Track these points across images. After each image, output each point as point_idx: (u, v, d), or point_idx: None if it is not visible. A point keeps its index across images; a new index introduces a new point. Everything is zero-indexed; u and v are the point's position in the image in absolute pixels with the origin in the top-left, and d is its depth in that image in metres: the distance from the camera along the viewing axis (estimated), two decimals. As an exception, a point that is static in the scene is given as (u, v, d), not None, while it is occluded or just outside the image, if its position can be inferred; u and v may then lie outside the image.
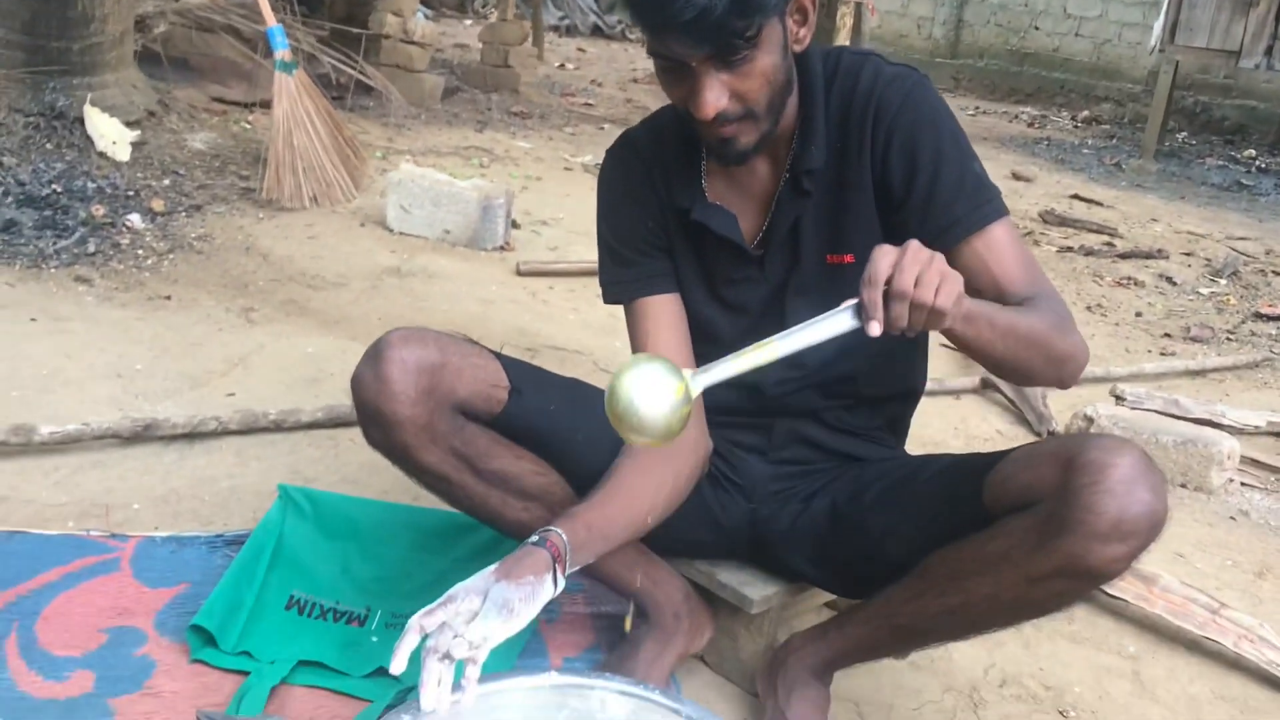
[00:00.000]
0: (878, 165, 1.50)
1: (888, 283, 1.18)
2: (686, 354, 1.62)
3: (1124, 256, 5.31)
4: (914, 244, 1.20)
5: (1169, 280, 5.00)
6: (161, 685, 1.64)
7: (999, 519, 1.38)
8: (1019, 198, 6.38)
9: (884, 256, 1.18)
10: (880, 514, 1.57)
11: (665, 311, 1.63)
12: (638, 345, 1.63)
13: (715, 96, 1.37)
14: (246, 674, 1.66)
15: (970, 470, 1.47)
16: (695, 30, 1.29)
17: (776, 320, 1.56)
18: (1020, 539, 1.34)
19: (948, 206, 1.46)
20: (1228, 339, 4.24)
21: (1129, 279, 4.92)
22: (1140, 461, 1.27)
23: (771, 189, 1.57)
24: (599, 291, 1.71)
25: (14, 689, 1.58)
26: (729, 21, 1.29)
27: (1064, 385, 1.46)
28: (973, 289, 1.38)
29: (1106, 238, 5.63)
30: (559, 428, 1.59)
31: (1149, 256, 5.35)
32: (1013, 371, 1.40)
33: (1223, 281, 5.06)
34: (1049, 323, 1.40)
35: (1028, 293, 1.44)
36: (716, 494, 1.69)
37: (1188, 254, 5.55)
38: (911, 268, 1.18)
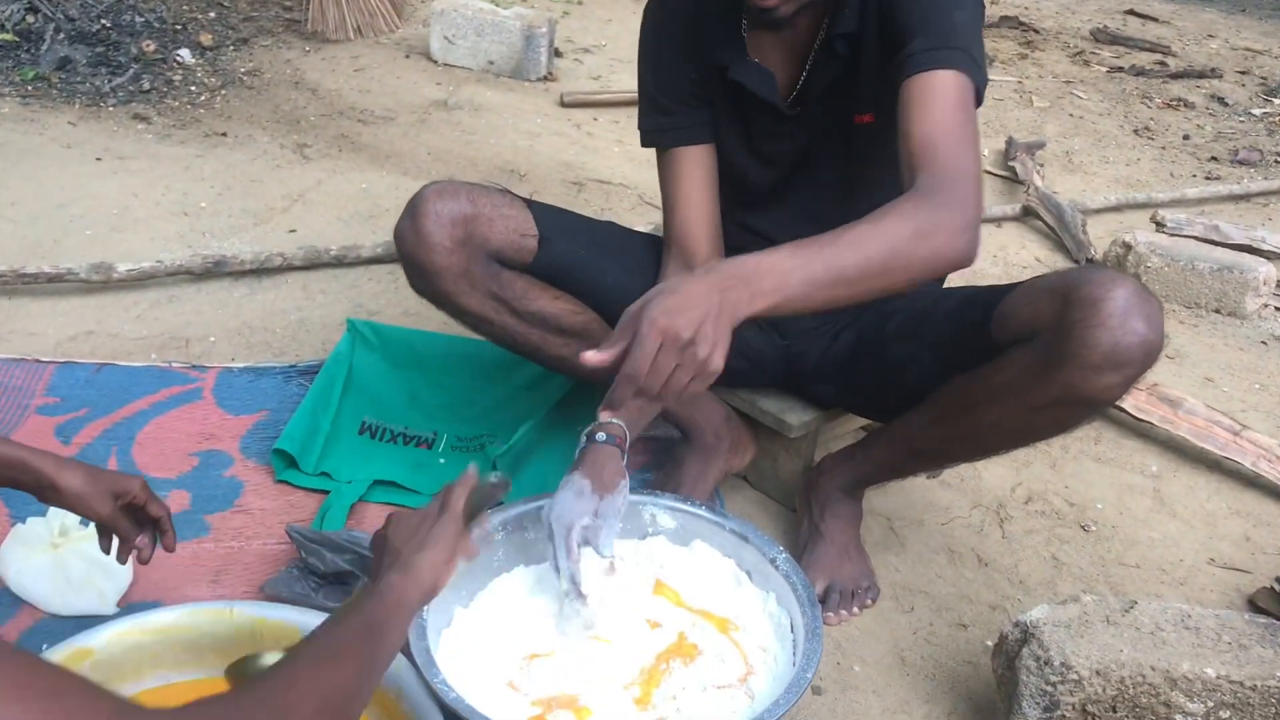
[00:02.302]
0: (886, 19, 1.51)
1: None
2: (711, 209, 1.70)
3: (1175, 76, 5.20)
4: (645, 342, 1.14)
5: (1220, 101, 4.91)
6: (251, 503, 1.79)
7: (1005, 351, 1.46)
8: (1071, 14, 6.21)
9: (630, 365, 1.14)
10: (900, 344, 1.66)
11: (699, 163, 1.69)
12: (668, 191, 1.71)
13: None
14: (327, 493, 1.81)
15: (981, 304, 1.54)
16: None
17: (806, 174, 1.67)
18: (1022, 371, 1.43)
19: (910, 42, 1.42)
20: (1277, 162, 4.21)
21: (1179, 100, 4.84)
22: (1134, 294, 1.33)
23: (808, 47, 1.60)
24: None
25: (121, 507, 1.74)
26: None
27: (954, 269, 1.38)
28: (894, 130, 1.40)
29: (1159, 56, 5.51)
30: (589, 272, 1.70)
31: (1201, 76, 5.24)
32: (877, 295, 1.32)
33: (1276, 101, 4.97)
34: (893, 239, 1.27)
35: (922, 160, 1.35)
36: (753, 332, 1.77)
37: (1242, 73, 5.43)
38: (651, 372, 1.14)
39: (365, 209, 2.88)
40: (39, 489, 1.31)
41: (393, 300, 2.45)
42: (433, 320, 2.36)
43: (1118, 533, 2.00)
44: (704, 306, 1.15)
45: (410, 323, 2.33)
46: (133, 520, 1.38)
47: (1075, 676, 1.40)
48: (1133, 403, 2.29)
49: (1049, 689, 1.41)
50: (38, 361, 2.05)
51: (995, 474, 2.09)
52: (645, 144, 1.75)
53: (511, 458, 1.84)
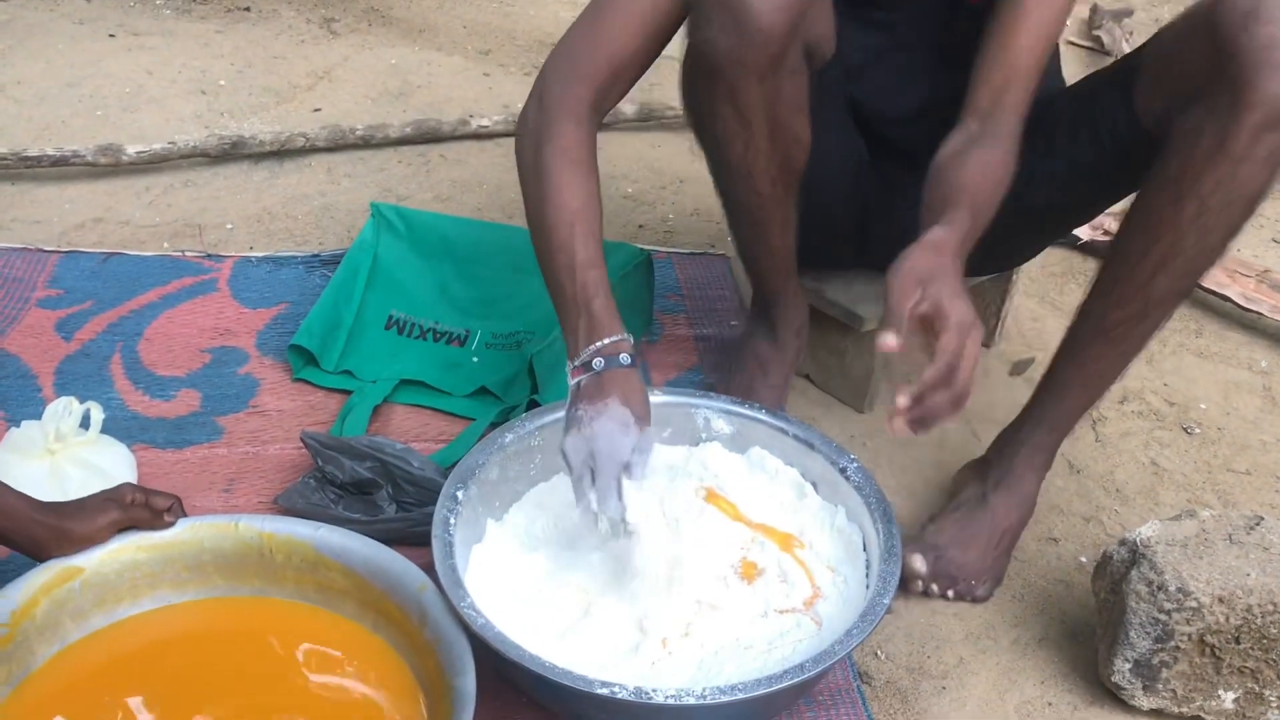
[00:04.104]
0: None
1: None
2: (642, 58, 1.39)
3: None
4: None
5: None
6: (266, 404, 1.65)
7: (1171, 129, 1.25)
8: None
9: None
10: (1046, 192, 1.46)
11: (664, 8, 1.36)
12: (620, 8, 1.36)
13: None
14: (349, 393, 1.66)
15: (1110, 83, 1.37)
16: None
17: (903, 49, 1.44)
18: (1199, 128, 1.21)
19: None
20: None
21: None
22: None
23: None
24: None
25: (124, 408, 1.60)
26: None
27: None
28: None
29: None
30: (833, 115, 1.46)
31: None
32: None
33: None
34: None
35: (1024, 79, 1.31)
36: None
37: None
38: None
39: (395, 87, 2.68)
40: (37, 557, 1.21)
41: (424, 184, 2.26)
42: (465, 206, 2.19)
43: (1224, 435, 1.80)
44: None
45: (441, 208, 2.15)
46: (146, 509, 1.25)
47: (1194, 604, 1.22)
48: (1239, 290, 2.07)
49: (1162, 617, 1.24)
50: (40, 251, 1.90)
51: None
52: None
53: (550, 356, 1.67)
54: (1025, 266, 1.82)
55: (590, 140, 1.37)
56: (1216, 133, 1.20)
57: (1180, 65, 1.28)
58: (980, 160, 1.30)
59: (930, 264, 1.18)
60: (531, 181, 1.36)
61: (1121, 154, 1.36)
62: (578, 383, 1.27)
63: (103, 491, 1.25)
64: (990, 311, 1.90)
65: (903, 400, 1.12)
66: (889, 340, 1.13)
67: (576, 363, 1.27)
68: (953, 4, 1.41)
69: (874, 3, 1.45)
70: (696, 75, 1.32)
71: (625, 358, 1.27)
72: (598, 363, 1.26)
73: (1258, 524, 1.30)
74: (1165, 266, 1.29)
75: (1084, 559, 1.53)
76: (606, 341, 1.26)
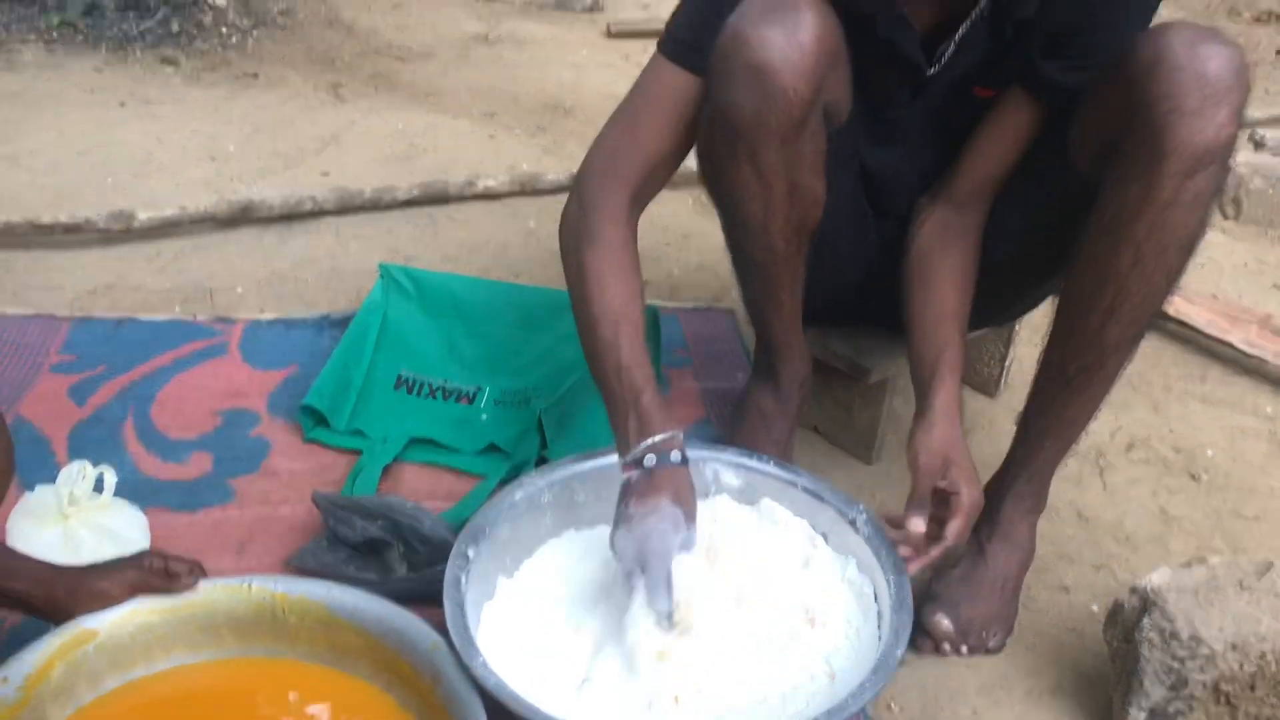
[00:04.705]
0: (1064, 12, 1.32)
1: None
2: (674, 157, 1.44)
3: (1264, -12, 4.88)
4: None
5: (1313, 14, 4.60)
6: (278, 465, 1.66)
7: (1103, 178, 1.28)
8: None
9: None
10: (1000, 247, 1.50)
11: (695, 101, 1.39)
12: (649, 107, 1.40)
13: None
14: (360, 453, 1.67)
15: (1047, 138, 1.40)
16: None
17: (877, 139, 1.47)
18: (1131, 179, 1.23)
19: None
20: (1378, 76, 3.91)
21: (1269, 14, 4.53)
22: (1185, 30, 1.19)
23: (964, 13, 1.35)
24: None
25: (137, 471, 1.61)
26: None
27: None
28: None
29: (1244, -32, 5.18)
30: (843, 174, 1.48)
31: (1293, -12, 4.91)
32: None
33: (1374, 13, 4.64)
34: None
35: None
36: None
37: (1337, -17, 5.08)
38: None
39: (401, 149, 2.72)
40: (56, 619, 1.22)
41: (431, 245, 2.29)
42: (472, 265, 2.21)
43: (1232, 481, 1.80)
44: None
45: (448, 268, 2.18)
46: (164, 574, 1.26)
47: (1207, 651, 1.22)
48: (1241, 336, 2.08)
49: (1175, 665, 1.23)
50: (54, 317, 1.93)
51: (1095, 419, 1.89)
52: (670, 54, 1.40)
53: (558, 412, 1.68)
54: (1027, 317, 1.84)
55: (630, 239, 1.41)
56: (1141, 181, 1.21)
57: (1102, 116, 1.29)
58: (956, 271, 1.46)
59: (947, 439, 1.35)
60: (576, 283, 1.39)
61: (1068, 204, 1.37)
62: (628, 479, 1.28)
63: (124, 556, 1.26)
64: (993, 362, 1.91)
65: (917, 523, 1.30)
66: (917, 526, 1.30)
67: (628, 459, 1.29)
68: (961, 94, 1.43)
69: (888, 100, 1.45)
70: (717, 136, 1.33)
71: (676, 455, 1.29)
72: (649, 460, 1.27)
73: (1268, 570, 1.30)
74: (1114, 314, 1.31)
75: (1095, 608, 1.53)
76: (658, 439, 1.28)
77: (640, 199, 1.43)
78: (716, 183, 1.42)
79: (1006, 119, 1.42)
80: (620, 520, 1.27)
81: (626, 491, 1.29)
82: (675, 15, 1.41)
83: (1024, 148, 1.43)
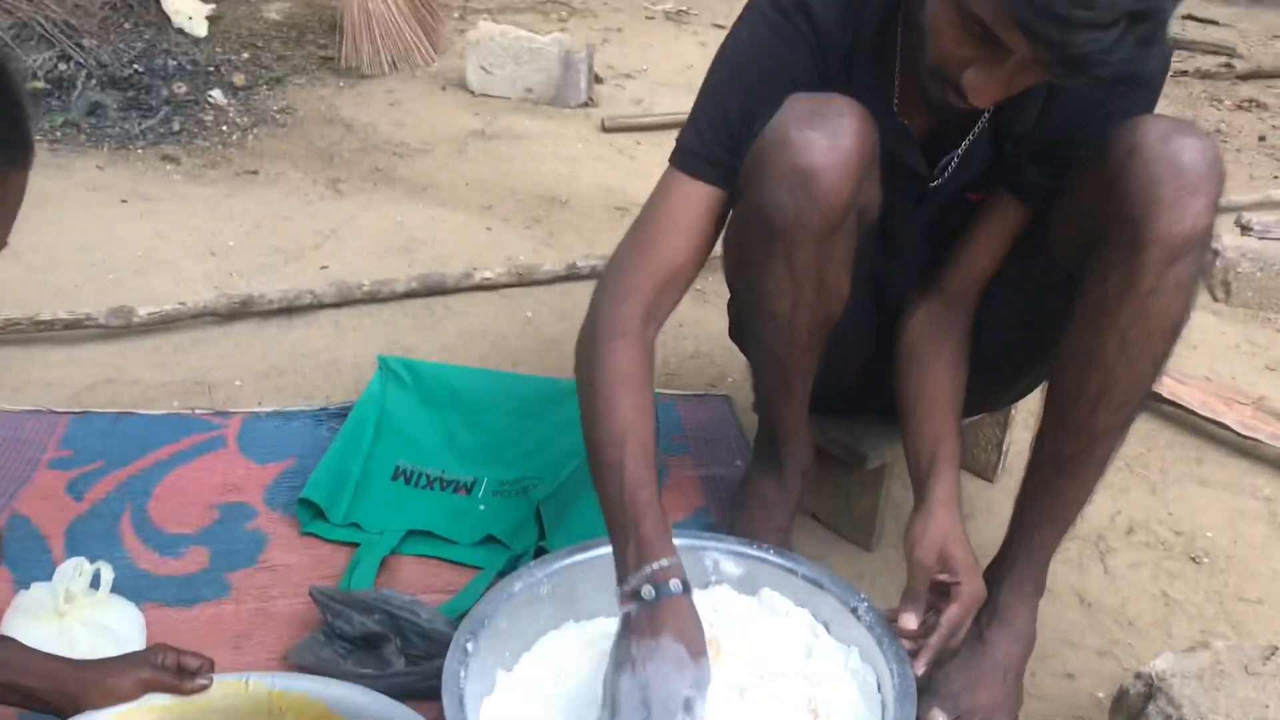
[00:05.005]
0: (1061, 123, 1.37)
1: None
2: (693, 273, 1.45)
3: (1244, 78, 4.97)
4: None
5: (1294, 100, 4.69)
6: (275, 559, 1.65)
7: (1085, 269, 1.30)
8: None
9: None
10: (991, 339, 1.53)
11: (718, 214, 1.42)
12: (671, 221, 1.40)
13: (999, 93, 1.19)
14: (357, 545, 1.66)
15: (1029, 230, 1.44)
16: (1072, 59, 1.07)
17: (878, 242, 1.50)
18: (1111, 267, 1.25)
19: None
20: (1360, 160, 3.98)
21: (1250, 101, 4.62)
22: (1163, 123, 1.22)
23: (966, 128, 1.39)
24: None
25: (133, 567, 1.61)
26: (1116, 64, 1.08)
27: None
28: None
29: (1224, 59, 5.28)
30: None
31: (1272, 76, 5.01)
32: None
33: (1353, 99, 4.73)
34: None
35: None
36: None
37: (1314, 71, 5.19)
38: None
39: (400, 243, 2.75)
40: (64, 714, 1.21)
41: (428, 336, 2.31)
42: (470, 356, 2.23)
43: (1233, 564, 1.79)
44: None
45: (446, 358, 2.19)
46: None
47: (1214, 738, 1.20)
48: (1236, 417, 2.09)
49: (1183, 752, 1.22)
50: (52, 413, 1.93)
51: (1091, 502, 1.88)
52: (683, 168, 1.41)
53: (556, 502, 1.68)
54: (1022, 401, 1.85)
55: (643, 356, 1.37)
56: (1122, 270, 1.23)
57: (1081, 208, 1.32)
58: (948, 363, 1.49)
59: (945, 530, 1.36)
60: (586, 401, 1.36)
61: (1053, 294, 1.39)
62: (627, 613, 1.22)
63: (135, 651, 1.25)
64: (991, 447, 1.92)
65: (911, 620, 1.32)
66: (909, 622, 1.32)
67: (625, 589, 1.22)
68: (955, 197, 1.46)
69: (891, 209, 1.46)
70: (752, 234, 1.34)
71: (676, 584, 1.21)
72: (647, 591, 1.20)
73: (1273, 654, 1.29)
74: (1102, 400, 1.32)
75: (1101, 694, 1.51)
76: (655, 567, 1.21)
77: (655, 314, 1.40)
78: (744, 277, 1.44)
79: (994, 220, 1.45)
80: (619, 661, 1.19)
81: (625, 628, 1.22)
82: (686, 128, 1.43)
83: (1011, 245, 1.46)
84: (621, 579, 1.24)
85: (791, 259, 1.33)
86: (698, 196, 1.40)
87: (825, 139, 1.24)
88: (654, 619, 1.19)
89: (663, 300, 1.41)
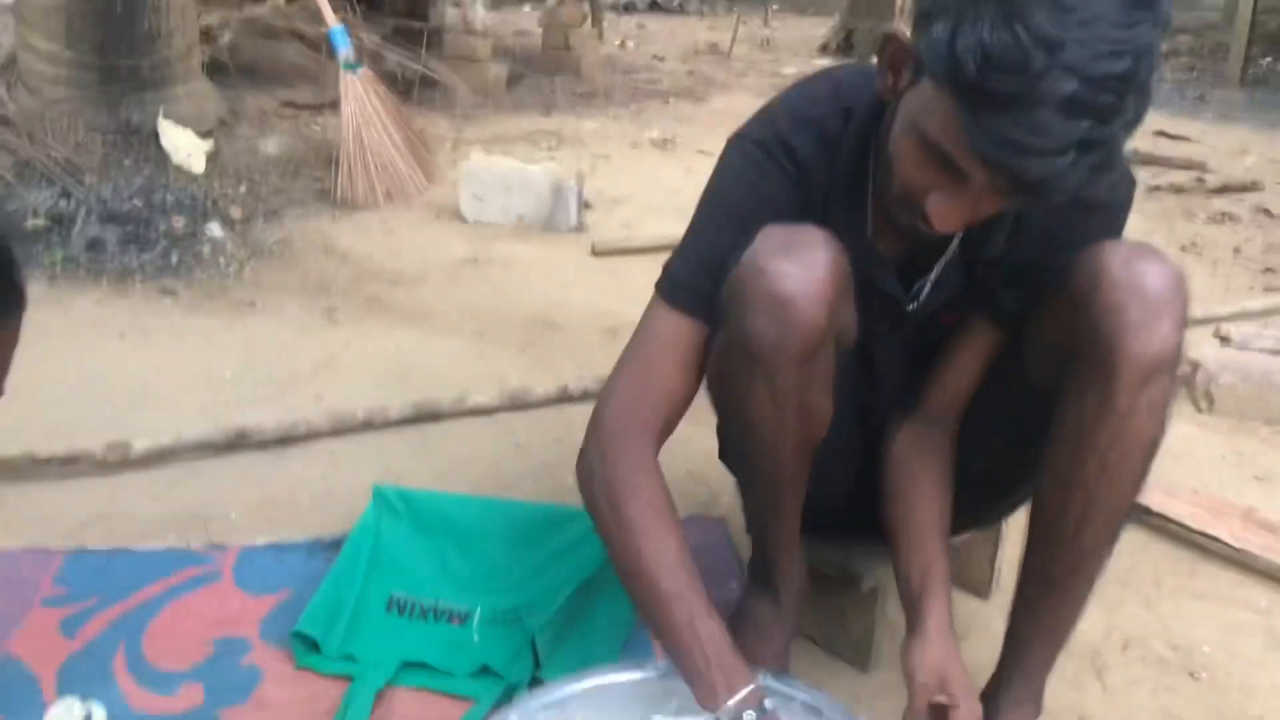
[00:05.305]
0: (1031, 248, 1.42)
1: None
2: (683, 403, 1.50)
3: (1216, 192, 5.11)
4: None
5: (1266, 212, 4.80)
6: (269, 694, 1.64)
7: (1061, 392, 1.33)
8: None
9: None
10: (975, 460, 1.56)
11: (701, 346, 1.46)
12: (659, 358, 1.46)
13: (963, 218, 1.24)
14: (351, 678, 1.65)
15: (1005, 353, 1.48)
16: (1027, 185, 1.12)
17: (857, 365, 1.54)
18: (1085, 390, 1.28)
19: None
20: (1336, 269, 4.06)
21: (1223, 214, 4.73)
22: (1125, 248, 1.26)
23: (938, 253, 1.44)
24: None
25: (126, 708, 1.59)
26: (1070, 189, 1.13)
27: None
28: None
29: (1196, 173, 5.42)
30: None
31: (1243, 190, 5.14)
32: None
33: (1326, 210, 4.84)
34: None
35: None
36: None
37: (1284, 184, 5.33)
38: None
39: (395, 370, 2.78)
40: None
41: (422, 463, 2.32)
42: (463, 482, 2.24)
43: (1233, 679, 1.79)
44: None
45: (440, 484, 2.20)
46: None
47: None
48: (1227, 529, 2.10)
49: None
50: (47, 550, 1.93)
51: (1085, 619, 1.87)
52: (671, 299, 1.46)
53: (551, 631, 1.68)
54: (1014, 517, 1.86)
55: (666, 489, 1.45)
56: (1097, 392, 1.26)
57: (1053, 331, 1.36)
58: (933, 485, 1.52)
59: (942, 654, 1.37)
60: (618, 534, 1.41)
61: (1032, 413, 1.41)
62: None
63: None
64: (984, 564, 1.93)
65: None
66: None
67: (724, 717, 1.29)
68: (930, 323, 1.51)
69: (868, 332, 1.50)
70: (734, 361, 1.37)
71: (768, 703, 1.30)
72: (749, 715, 1.28)
73: (1272, 771, 1.29)
74: (1087, 520, 1.35)
75: (1105, 817, 1.50)
76: (746, 692, 1.30)
77: (660, 442, 1.47)
78: (728, 403, 1.46)
79: (970, 341, 1.50)
80: None
81: None
82: (674, 259, 1.48)
83: (988, 365, 1.50)
84: (710, 706, 1.30)
85: (773, 384, 1.36)
86: (688, 330, 1.44)
87: (799, 268, 1.28)
88: None
89: (667, 429, 1.48)
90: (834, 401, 1.46)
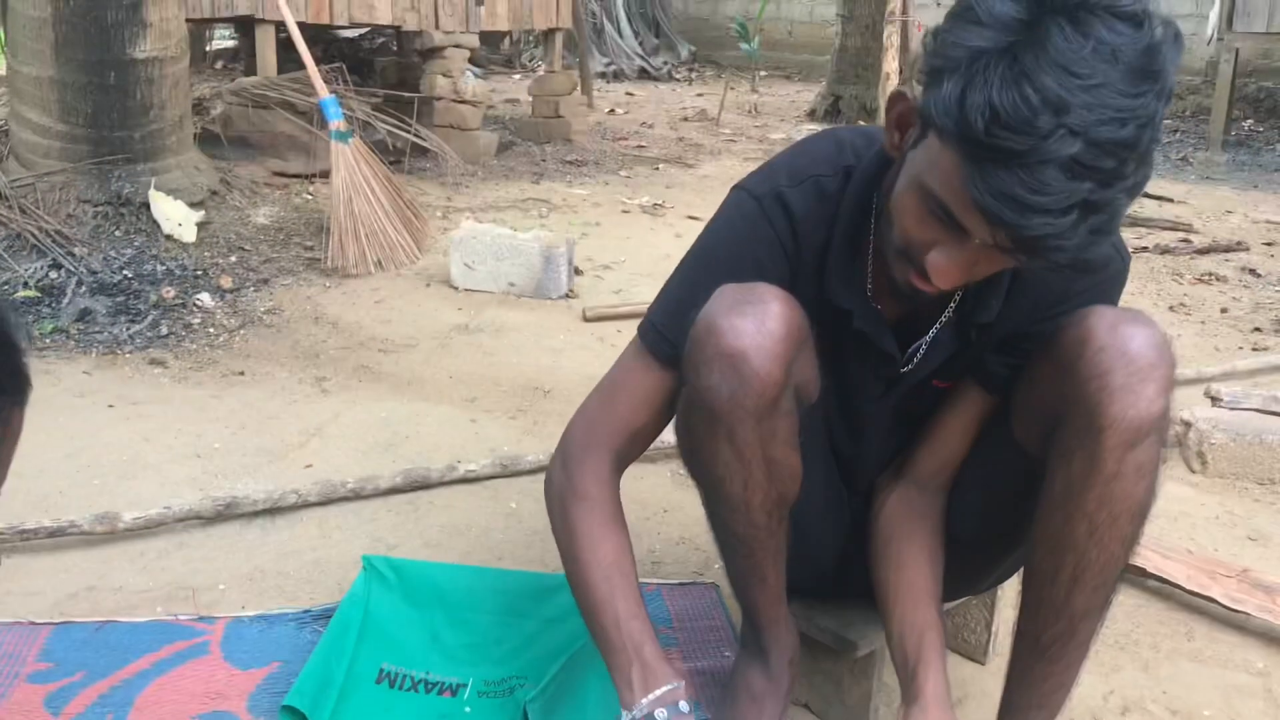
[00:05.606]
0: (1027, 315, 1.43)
1: None
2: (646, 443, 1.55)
3: (1202, 252, 5.15)
4: None
5: (1252, 272, 4.84)
6: (257, 770, 1.61)
7: (1048, 456, 1.34)
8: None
9: None
10: (965, 526, 1.56)
11: (672, 391, 1.48)
12: (630, 397, 1.50)
13: (961, 276, 1.24)
14: (341, 753, 1.63)
15: (992, 419, 1.49)
16: (1027, 242, 1.13)
17: (846, 425, 1.57)
18: (1073, 456, 1.29)
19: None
20: (1323, 328, 4.08)
21: (1210, 275, 4.77)
22: (1110, 313, 1.27)
23: (934, 315, 1.45)
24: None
25: (111, 784, 1.57)
26: (1070, 250, 1.13)
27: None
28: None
29: (1182, 234, 5.48)
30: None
31: (1229, 250, 5.19)
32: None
33: (1311, 269, 4.88)
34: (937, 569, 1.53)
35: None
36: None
37: (1269, 244, 5.37)
38: None
39: (384, 439, 2.78)
40: None
41: (412, 531, 2.31)
42: (454, 551, 2.22)
43: (1233, 743, 1.77)
44: None
45: (431, 554, 2.19)
46: None
47: None
48: (1222, 591, 2.09)
49: None
50: (32, 624, 1.91)
51: (1083, 682, 1.85)
52: (651, 347, 1.49)
53: (543, 701, 1.66)
54: (1012, 580, 1.85)
55: (615, 498, 1.50)
56: (1084, 456, 1.27)
57: (1040, 396, 1.37)
58: (924, 551, 1.52)
59: None
60: (565, 541, 1.49)
61: (1021, 478, 1.42)
62: None
63: None
64: (980, 629, 1.91)
65: None
66: None
67: (637, 714, 1.34)
68: (922, 387, 1.51)
69: (861, 393, 1.52)
70: (695, 418, 1.39)
71: (684, 705, 1.35)
72: (660, 714, 1.34)
73: (1276, 838, 1.27)
74: (1078, 583, 1.34)
75: None
76: (663, 690, 1.34)
77: (621, 462, 1.53)
78: (695, 461, 1.46)
79: (961, 407, 1.50)
80: None
81: None
82: (655, 305, 1.52)
83: (978, 431, 1.50)
84: (628, 703, 1.35)
85: (734, 440, 1.36)
86: (656, 376, 1.48)
87: (752, 324, 1.30)
88: None
89: (629, 451, 1.53)
90: (813, 460, 1.46)
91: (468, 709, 1.73)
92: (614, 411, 1.51)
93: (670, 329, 1.46)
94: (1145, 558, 2.12)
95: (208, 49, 9.31)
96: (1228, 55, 8.08)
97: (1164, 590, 2.15)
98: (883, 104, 1.40)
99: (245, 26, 6.59)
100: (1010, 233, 1.12)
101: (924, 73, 1.16)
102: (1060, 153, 1.06)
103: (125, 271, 3.84)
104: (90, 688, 1.76)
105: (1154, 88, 1.08)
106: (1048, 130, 1.06)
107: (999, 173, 1.09)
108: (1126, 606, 2.11)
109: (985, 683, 1.86)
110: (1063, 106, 1.06)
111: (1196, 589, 2.09)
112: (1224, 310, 4.29)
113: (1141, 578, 2.15)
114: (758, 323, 1.30)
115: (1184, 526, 2.44)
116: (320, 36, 7.33)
